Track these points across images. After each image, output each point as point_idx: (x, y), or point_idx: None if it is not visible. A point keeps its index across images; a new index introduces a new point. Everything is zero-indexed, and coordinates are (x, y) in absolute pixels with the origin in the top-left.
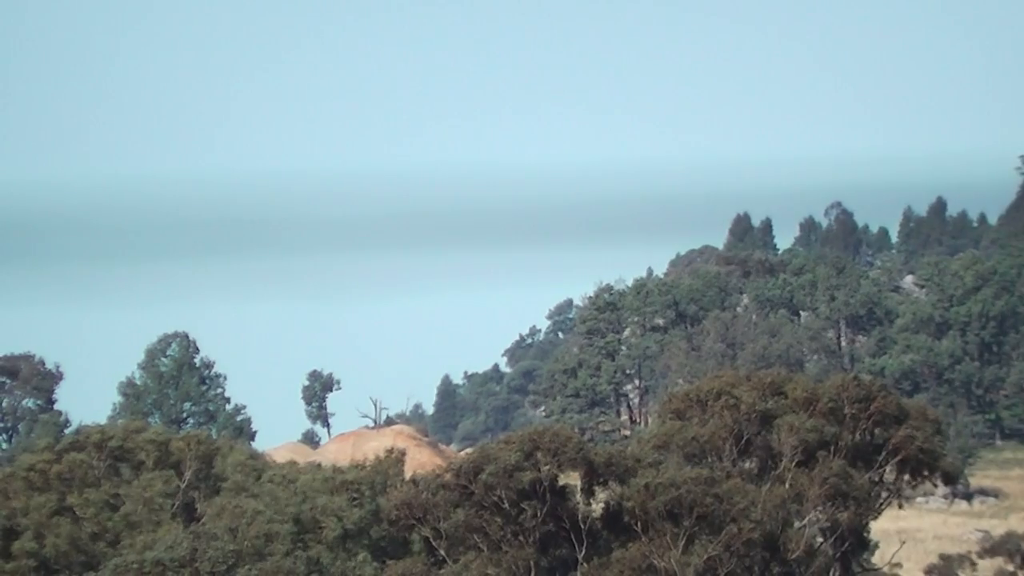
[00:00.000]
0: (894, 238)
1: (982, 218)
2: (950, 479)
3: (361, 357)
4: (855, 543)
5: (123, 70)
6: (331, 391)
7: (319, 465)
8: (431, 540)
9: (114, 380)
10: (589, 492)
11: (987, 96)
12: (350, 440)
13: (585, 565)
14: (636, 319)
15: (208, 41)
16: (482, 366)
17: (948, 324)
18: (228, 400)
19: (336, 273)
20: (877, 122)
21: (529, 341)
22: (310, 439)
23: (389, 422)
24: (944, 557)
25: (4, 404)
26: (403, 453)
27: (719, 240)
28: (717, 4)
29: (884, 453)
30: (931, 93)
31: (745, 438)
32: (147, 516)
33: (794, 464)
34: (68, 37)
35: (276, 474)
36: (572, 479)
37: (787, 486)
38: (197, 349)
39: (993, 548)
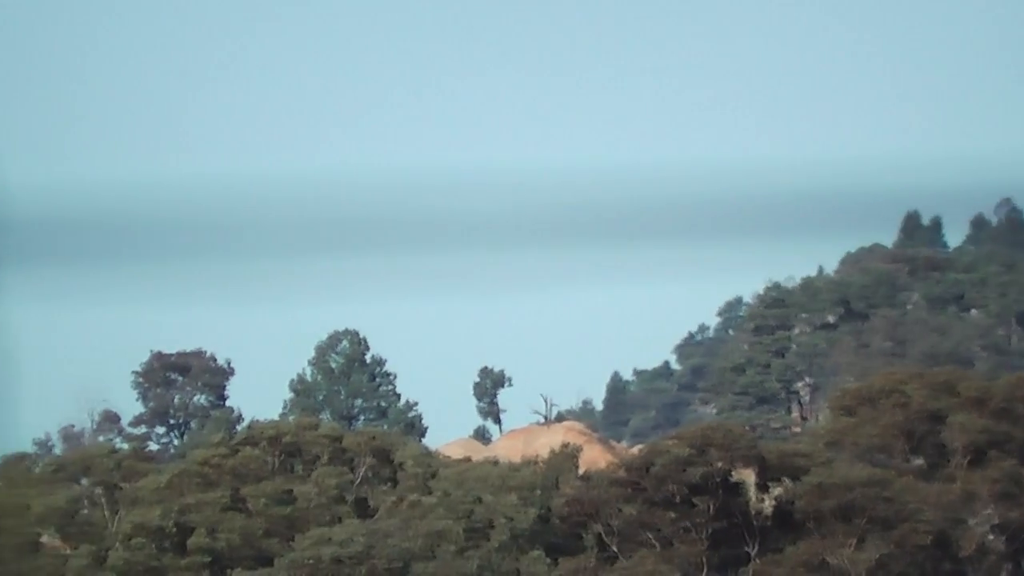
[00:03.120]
0: None
1: None
2: None
3: (531, 353)
4: None
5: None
6: (502, 387)
7: (495, 462)
8: (603, 536)
9: (284, 377)
10: (762, 488)
11: None
12: (521, 437)
13: (757, 561)
14: (804, 316)
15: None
16: (652, 363)
17: None
18: (399, 397)
19: (507, 269)
20: None
21: (698, 338)
22: (481, 435)
23: (559, 418)
24: None
25: (176, 401)
26: (578, 449)
27: (889, 238)
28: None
29: None
30: None
31: (916, 436)
32: (320, 511)
33: (966, 462)
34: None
35: (450, 472)
36: (743, 476)
37: (957, 484)
38: (367, 346)
39: None
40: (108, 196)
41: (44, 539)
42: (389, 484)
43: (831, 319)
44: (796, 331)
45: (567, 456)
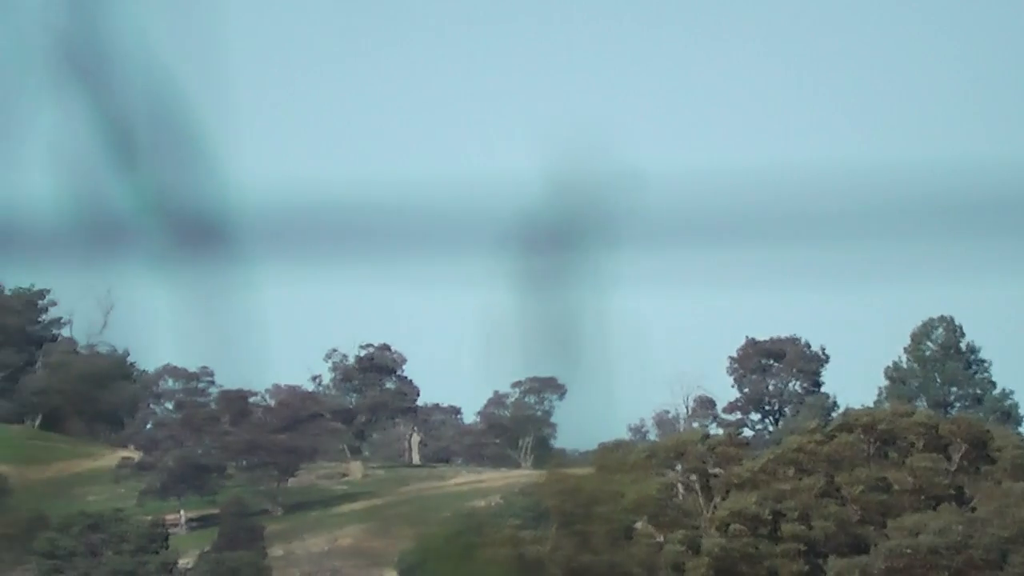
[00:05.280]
0: None
1: None
2: None
3: None
4: None
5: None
6: None
7: None
8: None
9: (878, 363)
10: None
11: None
12: None
13: None
14: None
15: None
16: None
17: None
18: (994, 384)
19: None
20: None
21: None
22: None
23: None
24: None
25: (770, 387)
26: None
27: None
28: None
29: None
30: None
31: None
32: (915, 499)
33: None
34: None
35: None
36: None
37: None
38: (962, 333)
39: None
40: (706, 183)
41: (638, 525)
42: (985, 471)
43: None
44: None
45: None
